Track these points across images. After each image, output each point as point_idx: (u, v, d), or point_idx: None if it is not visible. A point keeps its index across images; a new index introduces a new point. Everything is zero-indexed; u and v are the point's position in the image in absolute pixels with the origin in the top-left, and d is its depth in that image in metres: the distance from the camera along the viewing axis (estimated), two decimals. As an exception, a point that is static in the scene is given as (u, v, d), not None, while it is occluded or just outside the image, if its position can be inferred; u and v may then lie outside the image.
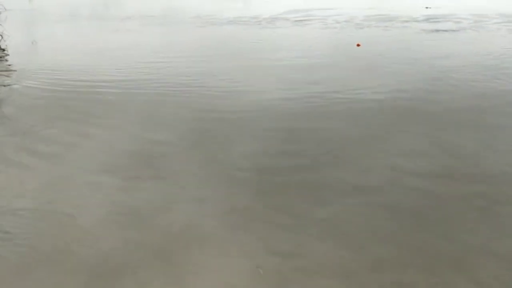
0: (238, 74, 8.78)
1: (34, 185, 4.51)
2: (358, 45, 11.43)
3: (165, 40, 13.19)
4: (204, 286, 3.19)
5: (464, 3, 20.76)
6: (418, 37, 12.63)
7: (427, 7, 19.12)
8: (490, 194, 4.29)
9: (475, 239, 3.66)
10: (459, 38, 12.39)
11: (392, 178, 4.64)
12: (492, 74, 8.35)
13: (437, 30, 13.66)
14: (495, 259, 3.41)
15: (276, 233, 3.77)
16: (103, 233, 3.72)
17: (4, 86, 8.18)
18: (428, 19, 16.05)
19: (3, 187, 4.53)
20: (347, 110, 6.59)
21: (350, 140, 5.58)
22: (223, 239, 3.70)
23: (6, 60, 10.51)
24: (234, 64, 9.67)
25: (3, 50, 11.70)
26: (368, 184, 4.54)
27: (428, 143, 5.43)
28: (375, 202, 4.22)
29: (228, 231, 3.80)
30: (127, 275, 3.25)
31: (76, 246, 3.56)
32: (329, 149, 5.33)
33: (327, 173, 4.76)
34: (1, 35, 13.47)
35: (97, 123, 6.15)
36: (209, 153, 5.20)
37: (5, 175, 4.80)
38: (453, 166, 4.86)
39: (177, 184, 4.51)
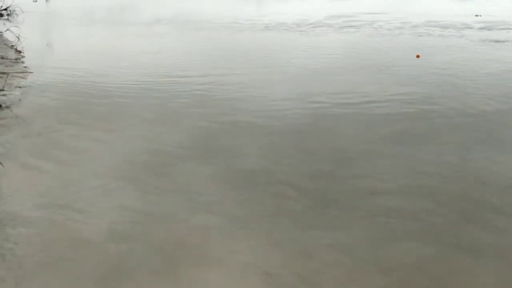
0: (274, 85, 8.37)
1: (45, 189, 4.49)
2: (417, 56, 10.75)
3: (197, 46, 13.07)
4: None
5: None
6: (481, 47, 11.88)
7: (477, 15, 18.46)
8: None
9: None
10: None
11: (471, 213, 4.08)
12: None
13: (498, 41, 12.80)
14: None
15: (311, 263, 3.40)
16: (113, 239, 3.69)
17: (20, 87, 8.19)
18: (485, 27, 15.30)
19: (15, 189, 4.51)
20: (410, 133, 5.90)
21: (418, 169, 4.94)
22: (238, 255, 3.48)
23: (22, 62, 10.54)
24: (270, 74, 9.31)
25: (20, 52, 11.77)
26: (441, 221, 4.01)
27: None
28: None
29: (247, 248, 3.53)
30: (134, 282, 3.22)
31: (84, 251, 3.54)
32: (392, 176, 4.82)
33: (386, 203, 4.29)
34: (17, 37, 13.59)
35: (111, 127, 6.15)
36: (223, 162, 5.07)
37: (17, 177, 4.79)
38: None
39: (189, 192, 4.41)
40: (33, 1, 27.24)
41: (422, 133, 5.88)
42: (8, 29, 14.45)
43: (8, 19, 19.50)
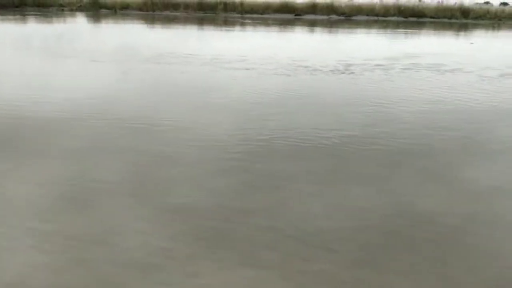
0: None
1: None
2: None
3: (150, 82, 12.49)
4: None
5: None
6: None
7: None
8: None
9: None
10: None
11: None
12: None
13: None
14: None
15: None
16: (33, 280, 3.44)
17: None
18: None
19: None
20: None
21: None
22: None
23: None
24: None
25: None
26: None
27: None
28: None
29: None
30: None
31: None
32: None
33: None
34: None
35: (40, 161, 5.85)
36: (154, 196, 4.90)
37: None
38: None
39: (117, 227, 4.22)
40: None
41: None
42: None
43: None
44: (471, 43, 20.80)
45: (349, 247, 3.98)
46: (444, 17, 43.39)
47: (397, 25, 36.15)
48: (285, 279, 3.50)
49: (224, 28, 29.20)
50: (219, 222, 4.36)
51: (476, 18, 43.33)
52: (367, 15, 43.75)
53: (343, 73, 13.08)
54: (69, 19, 33.47)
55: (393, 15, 43.60)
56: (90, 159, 5.91)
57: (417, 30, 31.13)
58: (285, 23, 35.01)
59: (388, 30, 30.71)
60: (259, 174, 5.53)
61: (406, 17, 43.49)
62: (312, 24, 35.67)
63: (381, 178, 5.48)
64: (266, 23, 34.92)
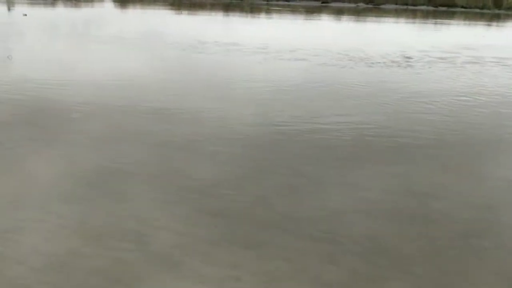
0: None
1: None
2: None
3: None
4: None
5: None
6: None
7: None
8: None
9: None
10: None
11: None
12: None
13: None
14: None
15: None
16: (58, 261, 3.12)
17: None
18: None
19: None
20: None
21: None
22: None
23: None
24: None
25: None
26: None
27: None
28: None
29: None
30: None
31: (27, 272, 2.98)
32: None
33: None
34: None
35: (66, 145, 5.44)
36: (175, 183, 4.42)
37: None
38: None
39: (138, 213, 3.78)
40: (23, 15, 24.94)
41: None
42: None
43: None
44: None
45: (425, 268, 3.07)
46: (476, 6, 41.70)
47: (427, 14, 34.77)
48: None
49: (255, 16, 28.16)
50: (265, 228, 3.53)
51: (508, 8, 41.59)
52: (396, 3, 42.25)
53: (400, 65, 12.02)
54: (97, 4, 32.62)
55: (423, 4, 42.03)
56: (119, 148, 5.28)
57: (448, 20, 29.75)
58: (313, 11, 33.77)
59: (422, 20, 29.41)
60: (309, 177, 4.58)
61: (436, 6, 41.91)
62: (339, 12, 34.48)
63: (459, 188, 4.48)
64: (296, 10, 33.71)
